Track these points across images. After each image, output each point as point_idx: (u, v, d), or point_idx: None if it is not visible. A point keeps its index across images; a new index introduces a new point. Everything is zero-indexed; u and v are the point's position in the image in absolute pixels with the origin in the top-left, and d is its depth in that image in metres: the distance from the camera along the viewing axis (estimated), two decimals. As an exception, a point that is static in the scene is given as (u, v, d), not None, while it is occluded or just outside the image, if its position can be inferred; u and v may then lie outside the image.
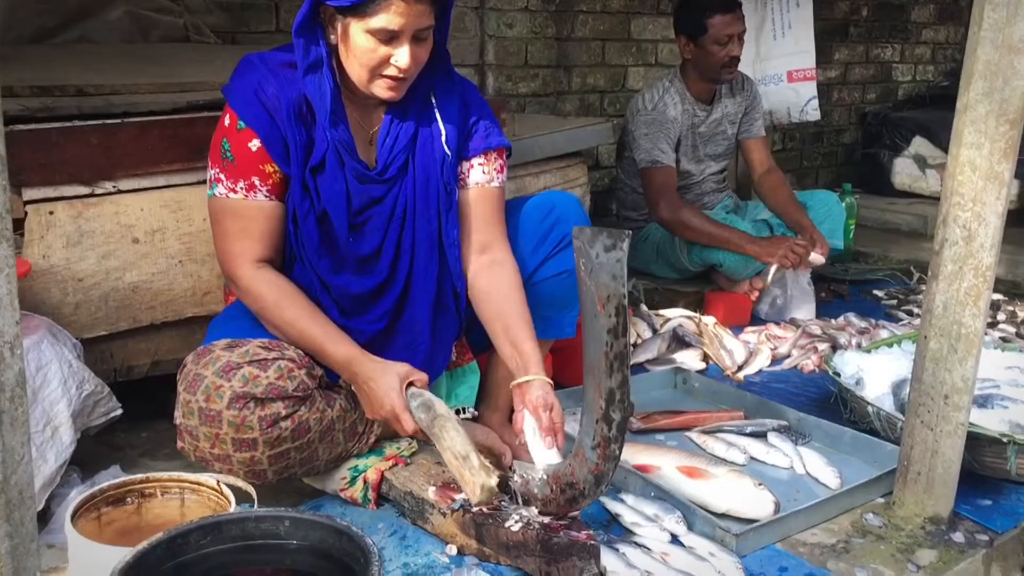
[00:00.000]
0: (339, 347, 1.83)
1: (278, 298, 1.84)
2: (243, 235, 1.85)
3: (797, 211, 3.52)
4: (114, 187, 2.10)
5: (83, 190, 2.06)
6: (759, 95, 3.87)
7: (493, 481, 1.68)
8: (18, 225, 1.99)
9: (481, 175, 2.03)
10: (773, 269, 3.31)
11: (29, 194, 1.99)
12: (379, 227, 1.94)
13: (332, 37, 1.81)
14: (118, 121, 2.11)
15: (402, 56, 1.78)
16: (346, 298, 1.94)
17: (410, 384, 1.80)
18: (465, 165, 2.02)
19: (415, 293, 1.98)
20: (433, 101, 1.97)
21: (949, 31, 6.68)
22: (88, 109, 2.12)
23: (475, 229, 2.02)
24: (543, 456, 1.79)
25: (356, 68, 1.81)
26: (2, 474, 0.80)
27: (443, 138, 1.96)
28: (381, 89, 1.83)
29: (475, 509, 1.76)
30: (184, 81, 2.41)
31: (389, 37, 1.76)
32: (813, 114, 4.50)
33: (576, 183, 3.28)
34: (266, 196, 1.85)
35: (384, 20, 1.73)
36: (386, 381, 1.78)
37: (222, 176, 1.85)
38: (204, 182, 2.18)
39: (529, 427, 1.83)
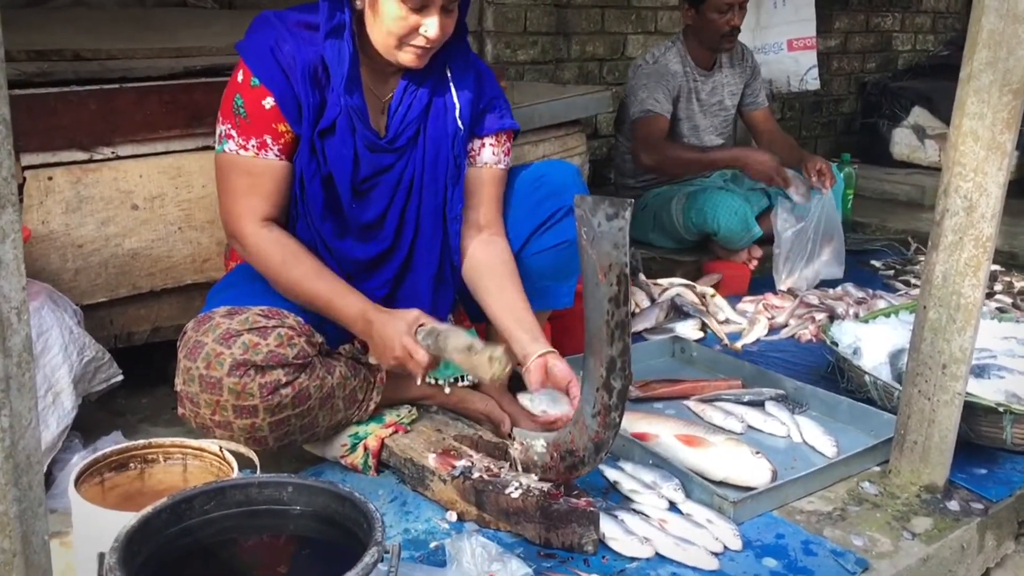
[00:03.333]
0: (349, 300, 1.83)
1: (284, 256, 1.84)
2: (251, 193, 1.84)
3: (798, 150, 3.64)
4: (113, 153, 2.09)
5: (82, 156, 2.05)
6: (759, 67, 3.88)
7: (499, 351, 1.68)
8: (17, 191, 1.98)
9: (491, 155, 2.03)
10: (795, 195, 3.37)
11: (28, 159, 1.98)
12: (384, 194, 1.93)
13: (357, 2, 1.79)
14: (116, 86, 2.10)
15: (432, 26, 1.76)
16: (348, 262, 1.94)
17: (420, 326, 1.80)
18: (477, 143, 2.02)
19: (418, 263, 1.99)
20: (448, 74, 1.96)
21: (949, 0, 6.64)
22: (85, 74, 2.10)
23: (477, 207, 2.03)
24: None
25: (383, 35, 1.79)
26: (10, 439, 0.80)
27: (456, 111, 1.95)
28: (406, 57, 1.81)
29: (462, 431, 1.78)
30: (181, 46, 2.39)
31: (420, 6, 1.74)
32: (813, 83, 4.49)
33: (575, 151, 3.27)
34: (276, 155, 1.84)
35: None
36: (396, 325, 1.78)
37: (233, 132, 1.83)
38: (203, 148, 2.19)
39: (546, 398, 1.84)
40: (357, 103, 1.85)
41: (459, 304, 2.18)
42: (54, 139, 2.01)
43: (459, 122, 1.96)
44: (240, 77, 1.83)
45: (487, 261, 2.01)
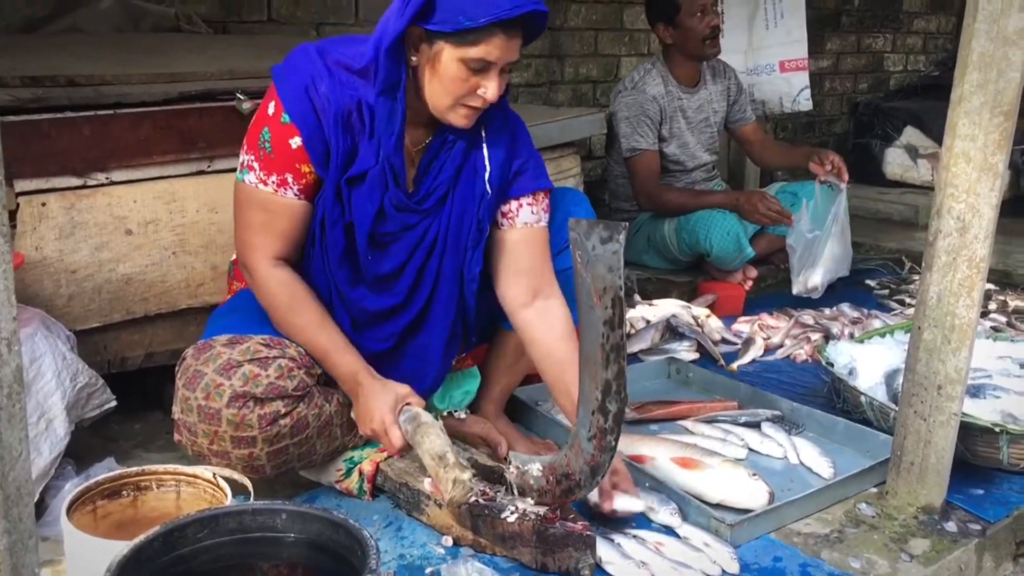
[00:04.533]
0: (345, 359, 1.83)
1: (290, 302, 1.82)
2: (265, 229, 1.82)
3: (798, 150, 3.70)
4: (107, 178, 2.09)
5: (76, 181, 2.05)
6: (741, 82, 3.91)
7: (466, 476, 1.68)
8: (10, 217, 1.98)
9: (530, 215, 1.96)
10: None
11: (21, 185, 1.98)
12: (403, 250, 1.89)
13: (414, 59, 1.75)
14: (110, 112, 2.10)
15: (492, 88, 1.73)
16: (359, 312, 1.91)
17: (406, 405, 1.81)
18: (514, 204, 1.95)
19: (432, 322, 1.96)
20: (483, 134, 1.90)
21: (940, 21, 6.69)
22: (79, 100, 2.10)
23: (527, 271, 1.96)
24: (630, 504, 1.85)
25: (439, 94, 1.75)
26: (0, 471, 0.80)
27: (487, 175, 1.89)
28: (458, 117, 1.78)
29: (447, 507, 1.77)
30: (176, 71, 2.39)
31: (482, 68, 1.71)
32: (805, 104, 4.51)
33: (569, 173, 3.27)
34: (296, 195, 1.81)
35: (483, 51, 1.68)
36: (383, 399, 1.79)
37: (255, 165, 1.80)
38: (197, 173, 2.20)
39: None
40: (399, 164, 1.81)
41: (472, 346, 2.17)
42: (48, 165, 2.01)
43: (487, 185, 1.90)
44: (271, 110, 1.78)
45: (542, 337, 1.94)
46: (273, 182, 1.80)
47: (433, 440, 1.72)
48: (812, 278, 3.41)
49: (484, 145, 1.90)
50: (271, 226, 1.82)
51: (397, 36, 1.69)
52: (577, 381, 1.78)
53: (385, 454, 1.96)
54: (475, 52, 1.68)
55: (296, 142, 1.77)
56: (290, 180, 1.79)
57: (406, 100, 1.77)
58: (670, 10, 3.48)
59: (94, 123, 2.07)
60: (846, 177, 3.45)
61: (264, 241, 1.82)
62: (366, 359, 1.86)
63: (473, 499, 1.75)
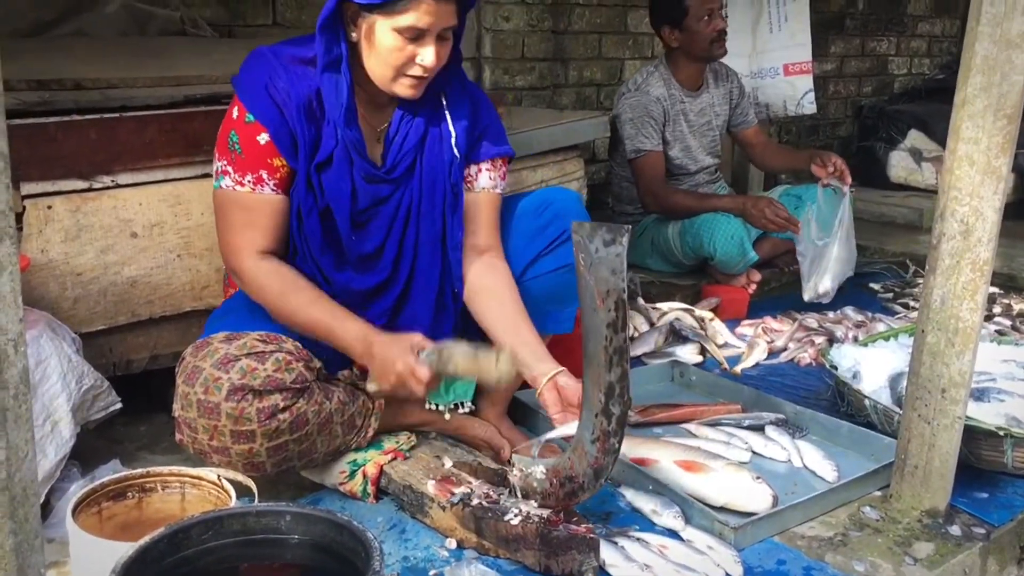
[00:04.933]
0: (349, 325, 1.83)
1: (282, 286, 1.84)
2: (248, 227, 1.85)
3: (801, 153, 3.73)
4: (112, 181, 2.10)
5: (81, 184, 2.05)
6: (744, 85, 3.91)
7: (504, 352, 1.71)
8: (17, 220, 1.98)
9: (488, 180, 2.05)
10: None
11: (27, 188, 1.99)
12: (382, 225, 1.94)
13: (353, 35, 1.80)
14: (116, 115, 2.11)
15: (428, 55, 1.77)
16: (348, 294, 1.94)
17: (421, 348, 1.80)
18: (473, 168, 2.03)
19: (416, 292, 1.99)
20: (444, 102, 1.97)
21: (945, 24, 6.69)
22: (86, 103, 2.11)
23: (476, 232, 2.04)
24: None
25: (380, 66, 1.80)
26: (6, 472, 0.80)
27: (452, 140, 1.97)
28: (403, 88, 1.83)
29: (461, 459, 1.82)
30: (181, 75, 2.40)
31: (416, 35, 1.75)
32: (809, 107, 4.51)
33: (573, 176, 3.28)
34: (273, 190, 1.85)
35: (413, 18, 1.73)
36: (399, 346, 1.78)
37: (229, 168, 1.84)
38: (202, 176, 2.20)
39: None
40: (355, 135, 1.86)
41: (462, 331, 2.17)
42: (54, 168, 2.02)
43: (455, 150, 1.97)
44: (235, 113, 1.84)
45: (489, 285, 2.01)
46: (249, 181, 1.83)
47: (460, 348, 1.74)
48: (822, 284, 3.40)
49: (446, 112, 1.97)
50: (253, 224, 1.85)
51: (329, 13, 1.75)
52: (530, 328, 1.91)
53: (389, 456, 1.97)
54: (405, 20, 1.73)
55: (264, 138, 1.81)
56: (265, 176, 1.84)
57: (359, 79, 1.84)
58: (677, 13, 3.49)
59: (100, 126, 2.08)
60: (849, 180, 3.45)
61: (247, 239, 1.85)
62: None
63: (483, 457, 1.79)
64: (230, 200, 1.85)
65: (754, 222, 3.43)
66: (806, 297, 3.39)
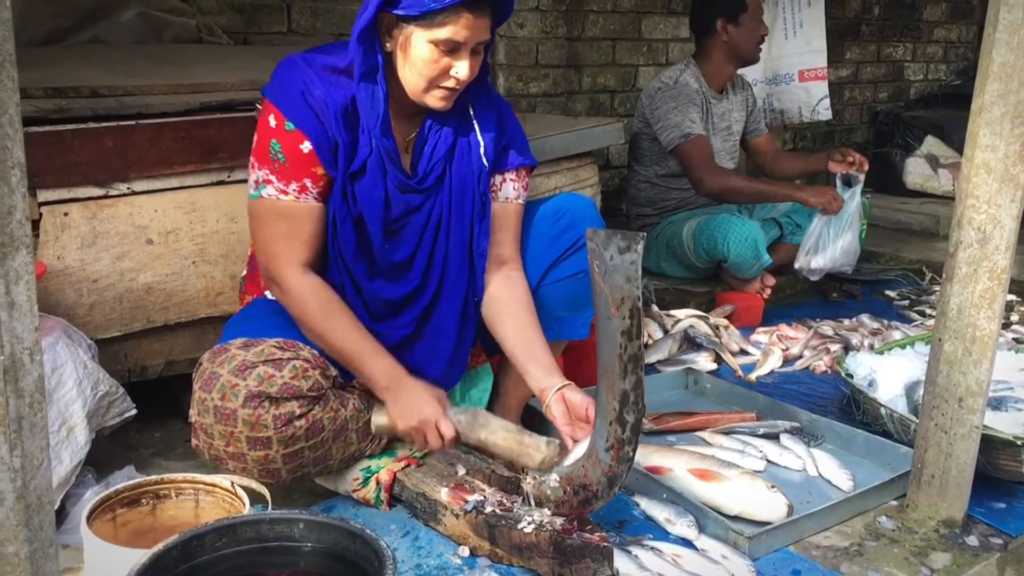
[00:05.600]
0: (381, 360, 1.86)
1: (324, 308, 1.85)
2: (291, 237, 1.85)
3: (813, 155, 3.81)
4: (128, 188, 2.11)
5: (97, 191, 2.07)
6: (755, 96, 3.94)
7: (555, 442, 1.75)
8: (33, 226, 2.00)
9: (512, 190, 2.05)
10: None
11: (44, 195, 2.00)
12: (413, 235, 1.94)
13: (388, 45, 1.81)
14: (132, 123, 2.12)
15: (462, 68, 1.78)
16: (377, 302, 1.94)
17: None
18: (498, 178, 2.04)
19: (444, 301, 1.99)
20: (471, 112, 1.98)
21: (961, 30, 6.65)
22: (102, 110, 2.12)
23: (498, 243, 2.04)
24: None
25: (413, 77, 1.80)
26: (21, 479, 0.81)
27: (481, 149, 1.97)
28: (435, 99, 1.83)
29: (474, 466, 1.85)
30: (197, 82, 2.41)
31: (452, 48, 1.76)
32: (824, 113, 4.49)
33: (587, 183, 3.27)
34: (316, 198, 1.85)
35: (451, 31, 1.73)
36: (428, 393, 1.84)
37: (272, 178, 1.83)
38: (217, 183, 2.21)
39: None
40: (390, 144, 1.86)
41: (477, 339, 2.18)
42: (71, 175, 2.03)
43: (484, 159, 1.98)
44: (272, 122, 1.82)
45: (504, 297, 2.02)
46: (294, 190, 1.83)
47: (501, 422, 1.79)
48: (816, 260, 3.52)
49: (474, 123, 1.98)
50: (297, 234, 1.85)
51: (367, 23, 1.75)
52: (542, 343, 1.94)
53: (402, 463, 1.97)
54: (443, 33, 1.74)
55: (307, 146, 1.82)
56: (309, 185, 1.84)
57: (391, 90, 1.84)
58: (737, 8, 3.55)
59: (116, 133, 2.09)
60: (866, 166, 3.54)
61: (290, 250, 1.85)
62: (386, 348, 1.89)
63: (496, 464, 1.83)
64: (273, 209, 1.84)
65: (814, 206, 3.50)
66: (796, 264, 3.51)
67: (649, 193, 3.72)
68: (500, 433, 1.75)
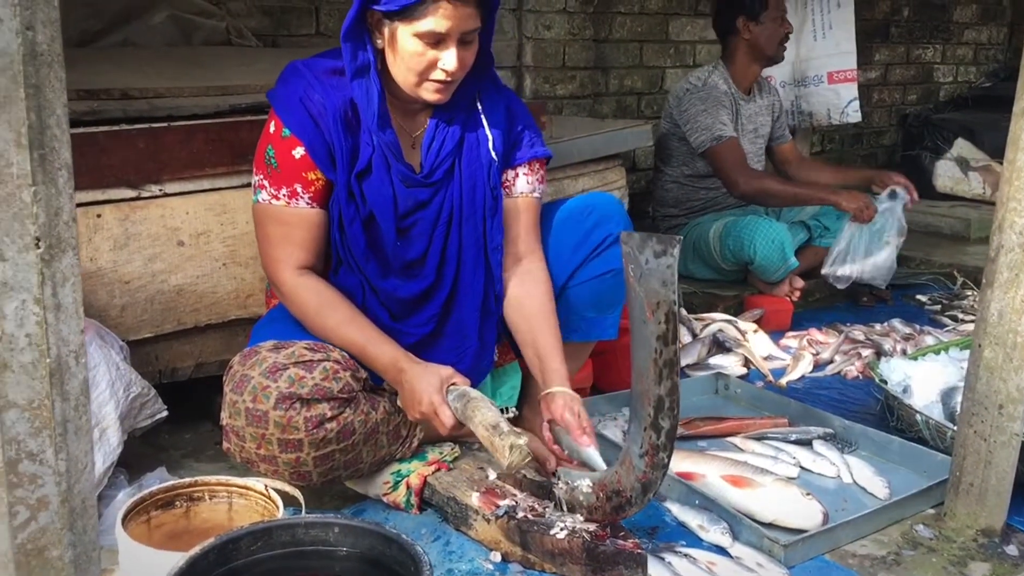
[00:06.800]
0: (382, 349, 1.84)
1: (319, 305, 1.85)
2: (285, 241, 1.86)
3: (852, 171, 3.79)
4: (160, 190, 2.11)
5: (130, 193, 2.07)
6: (782, 102, 3.93)
7: (522, 440, 1.68)
8: (76, 234, 2.00)
9: (525, 185, 2.04)
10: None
11: (77, 197, 1.96)
12: (425, 231, 1.93)
13: (379, 42, 1.81)
14: (164, 125, 2.12)
15: (449, 59, 1.77)
16: (394, 301, 1.94)
17: (452, 385, 1.81)
18: (510, 173, 2.03)
19: (462, 297, 1.98)
20: (479, 106, 1.97)
21: (991, 31, 6.58)
22: (133, 112, 2.13)
23: (515, 239, 2.03)
24: (584, 456, 1.78)
25: (403, 72, 1.81)
26: (66, 483, 0.80)
27: (490, 143, 1.96)
28: (428, 93, 1.83)
29: (508, 472, 1.80)
30: (227, 84, 2.42)
31: (436, 40, 1.75)
32: (854, 115, 4.45)
33: (614, 185, 3.26)
34: (308, 203, 1.86)
35: (432, 23, 1.72)
36: (427, 380, 1.79)
37: (265, 183, 1.85)
38: (247, 185, 2.20)
39: (561, 436, 1.85)
40: (389, 139, 1.86)
41: (503, 336, 2.17)
42: (103, 177, 2.03)
43: (492, 153, 1.96)
44: (272, 128, 1.85)
45: (519, 296, 2.00)
46: (284, 195, 1.84)
47: (484, 412, 1.73)
48: (845, 268, 3.49)
49: (482, 116, 1.97)
50: (289, 237, 1.86)
51: (351, 22, 1.76)
52: (549, 345, 1.92)
53: (433, 467, 1.96)
54: (424, 25, 1.73)
55: (299, 152, 1.82)
56: (299, 190, 1.84)
57: (391, 86, 1.85)
58: (757, 6, 3.54)
59: (148, 136, 2.09)
60: (916, 196, 3.51)
61: (284, 253, 1.86)
62: (408, 348, 1.88)
63: (528, 469, 1.79)
64: (267, 214, 1.87)
65: (846, 211, 3.47)
66: (823, 270, 3.48)
67: (676, 194, 3.71)
68: (479, 429, 1.72)
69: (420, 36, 1.74)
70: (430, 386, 1.78)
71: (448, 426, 1.78)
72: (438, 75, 1.79)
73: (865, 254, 3.47)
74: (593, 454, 1.79)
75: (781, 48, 3.63)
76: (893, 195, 3.51)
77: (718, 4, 3.73)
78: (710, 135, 3.49)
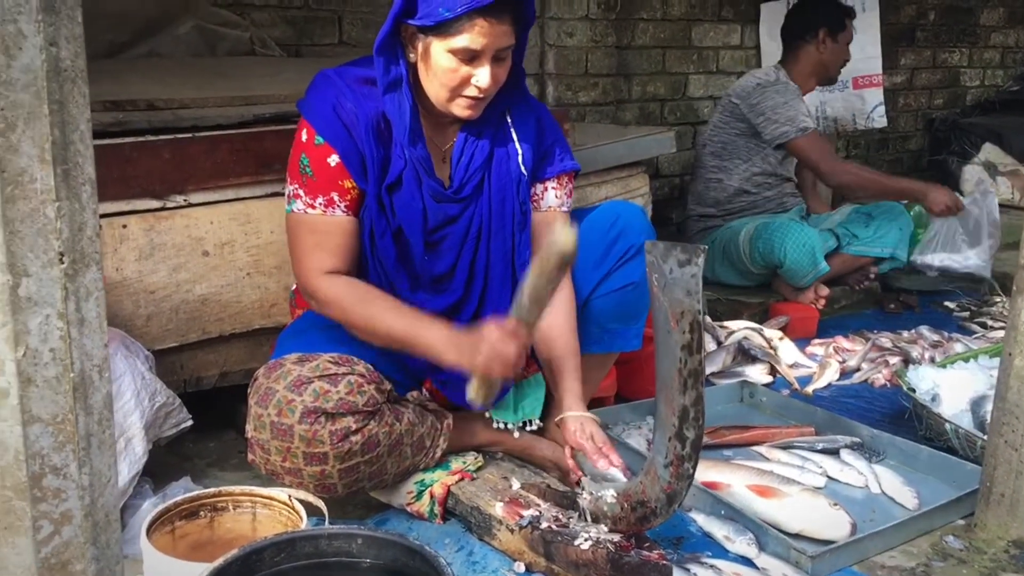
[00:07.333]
0: (431, 327, 1.82)
1: (358, 297, 1.84)
2: (319, 249, 1.85)
3: (893, 181, 3.72)
4: (185, 200, 2.12)
5: (155, 203, 2.08)
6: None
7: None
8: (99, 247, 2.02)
9: (554, 199, 2.03)
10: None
11: (103, 208, 2.01)
12: (453, 246, 1.93)
13: (411, 56, 1.81)
14: (189, 135, 2.13)
15: (483, 76, 1.76)
16: None
17: None
18: (539, 187, 2.02)
19: (489, 312, 1.97)
20: (508, 120, 1.97)
21: (1019, 34, 6.50)
22: (158, 123, 2.14)
23: None
24: (609, 478, 1.78)
25: (436, 87, 1.80)
26: (90, 497, 0.80)
27: (519, 158, 1.96)
28: (460, 109, 1.82)
29: (528, 480, 1.83)
30: (251, 94, 2.43)
31: (471, 57, 1.74)
32: (879, 120, 4.42)
33: (637, 192, 3.24)
34: (344, 211, 1.85)
35: (467, 40, 1.72)
36: (483, 327, 1.74)
37: (301, 192, 1.84)
38: (272, 195, 2.22)
39: (583, 463, 1.86)
40: (421, 154, 1.85)
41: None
42: (129, 187, 2.05)
43: (522, 168, 1.96)
44: (304, 136, 1.84)
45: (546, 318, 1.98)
46: (320, 204, 1.84)
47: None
48: (928, 258, 3.54)
49: (512, 131, 1.96)
50: (324, 245, 1.85)
51: (386, 35, 1.76)
52: (565, 365, 1.92)
53: (456, 477, 1.95)
54: (459, 42, 1.72)
55: (334, 160, 1.82)
56: (336, 198, 1.84)
57: (422, 100, 1.85)
58: (838, 25, 3.57)
59: (173, 146, 2.10)
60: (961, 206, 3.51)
61: (319, 260, 1.85)
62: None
63: (552, 479, 1.83)
64: (302, 223, 1.86)
65: (934, 207, 3.48)
66: (912, 255, 3.53)
67: (718, 193, 3.69)
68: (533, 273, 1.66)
69: (455, 52, 1.73)
70: (486, 327, 1.73)
71: (513, 331, 1.70)
72: (471, 91, 1.79)
73: (954, 246, 3.49)
74: (616, 475, 1.78)
75: (839, 71, 3.66)
76: (984, 190, 3.52)
77: (795, 9, 3.74)
78: (794, 127, 3.49)
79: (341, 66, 1.90)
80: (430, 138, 1.91)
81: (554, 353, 1.96)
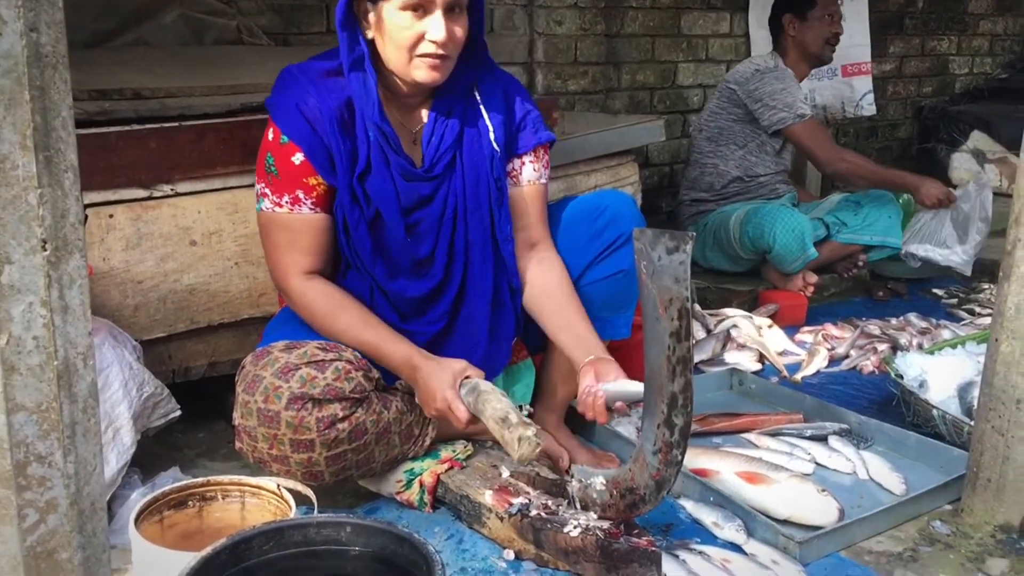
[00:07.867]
0: (396, 348, 1.84)
1: (329, 308, 1.85)
2: (290, 248, 1.86)
3: (887, 173, 3.72)
4: (172, 189, 2.11)
5: (142, 193, 2.07)
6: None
7: (531, 432, 1.65)
8: (83, 234, 2.01)
9: (532, 172, 2.02)
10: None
11: (89, 197, 2.00)
12: (431, 229, 1.93)
13: (368, 32, 1.80)
14: (175, 124, 2.12)
15: (436, 28, 1.74)
16: (403, 302, 1.93)
17: (466, 379, 1.79)
18: (516, 162, 2.01)
19: (471, 293, 1.98)
20: (477, 96, 1.96)
21: (1007, 22, 6.51)
22: (145, 112, 2.13)
23: (525, 226, 2.02)
24: (632, 387, 1.73)
25: (393, 52, 1.79)
26: (75, 485, 0.80)
27: (491, 134, 1.94)
28: (422, 72, 1.79)
29: (518, 468, 1.79)
30: (238, 83, 2.42)
31: (421, 9, 1.73)
32: (868, 108, 4.43)
33: (627, 181, 3.24)
34: (311, 209, 1.85)
35: None
36: (441, 376, 1.78)
37: (267, 191, 1.85)
38: (260, 184, 2.20)
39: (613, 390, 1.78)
40: (388, 129, 1.84)
41: (517, 331, 2.16)
42: (115, 177, 2.04)
43: (494, 144, 1.95)
44: (270, 135, 1.85)
45: (541, 283, 2.00)
46: (287, 202, 1.84)
47: (494, 405, 1.71)
48: (915, 247, 3.56)
49: (481, 107, 1.95)
50: (294, 243, 1.85)
51: (343, 11, 1.76)
52: (583, 323, 1.90)
53: (446, 465, 1.95)
54: None
55: (298, 158, 1.82)
56: (302, 196, 1.84)
57: (386, 80, 1.85)
58: (804, 5, 3.55)
59: (160, 135, 2.09)
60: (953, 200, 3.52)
61: (291, 259, 1.86)
62: (420, 347, 1.87)
63: (541, 467, 1.78)
64: (271, 221, 1.87)
65: (926, 199, 3.50)
66: (903, 239, 3.54)
67: (712, 179, 3.69)
68: (489, 422, 1.70)
69: (405, 7, 1.73)
70: (443, 382, 1.77)
71: (463, 421, 1.76)
72: (428, 47, 1.77)
73: (939, 239, 3.50)
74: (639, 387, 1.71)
75: (828, 48, 3.63)
76: (981, 184, 3.52)
77: (773, 1, 3.74)
78: (792, 113, 3.50)
79: (306, 61, 1.89)
80: (398, 121, 1.90)
81: (570, 315, 1.94)
